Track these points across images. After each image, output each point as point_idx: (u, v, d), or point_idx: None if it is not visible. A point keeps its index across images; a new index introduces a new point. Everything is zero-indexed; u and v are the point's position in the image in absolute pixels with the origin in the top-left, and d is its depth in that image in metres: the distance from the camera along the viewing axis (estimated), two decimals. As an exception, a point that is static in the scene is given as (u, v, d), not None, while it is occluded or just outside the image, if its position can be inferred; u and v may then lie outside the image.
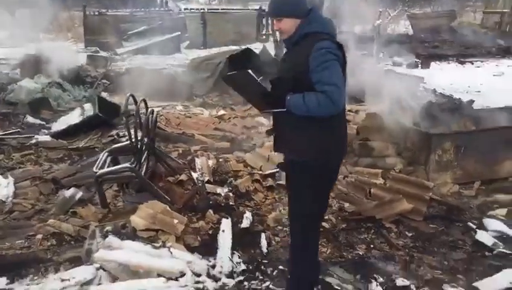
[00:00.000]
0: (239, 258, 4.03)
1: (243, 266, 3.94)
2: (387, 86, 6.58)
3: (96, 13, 20.36)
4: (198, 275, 3.78)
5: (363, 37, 14.01)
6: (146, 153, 4.90)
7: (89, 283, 3.56)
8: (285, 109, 2.91)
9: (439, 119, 6.16)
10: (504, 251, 4.19)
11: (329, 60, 2.83)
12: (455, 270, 3.95)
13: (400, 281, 3.71)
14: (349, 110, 7.49)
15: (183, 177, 5.06)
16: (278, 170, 5.41)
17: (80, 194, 4.95)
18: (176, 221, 4.20)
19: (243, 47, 12.60)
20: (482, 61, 15.47)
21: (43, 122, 8.20)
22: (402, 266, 3.98)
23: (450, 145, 5.40)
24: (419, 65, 14.37)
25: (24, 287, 3.56)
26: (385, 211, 4.70)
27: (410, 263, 4.03)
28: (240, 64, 10.15)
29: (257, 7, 22.76)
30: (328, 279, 3.74)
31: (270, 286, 3.70)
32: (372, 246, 4.31)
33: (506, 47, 17.79)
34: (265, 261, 4.05)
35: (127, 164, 4.58)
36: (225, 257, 3.96)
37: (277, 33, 14.17)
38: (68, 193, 4.96)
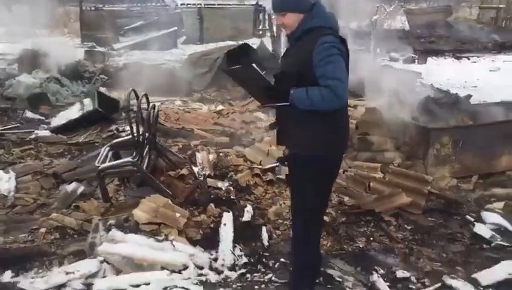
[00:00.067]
0: (241, 251, 4.07)
1: (244, 259, 3.98)
2: (386, 81, 6.63)
3: (93, 8, 20.33)
4: (201, 268, 3.83)
5: (360, 32, 14.05)
6: (147, 147, 4.93)
7: (93, 275, 3.62)
8: (288, 103, 2.94)
9: (437, 114, 6.23)
10: (502, 243, 4.26)
11: (332, 54, 2.86)
12: (454, 262, 4.02)
13: (400, 273, 3.77)
14: (348, 105, 7.52)
15: (184, 171, 5.08)
16: (277, 164, 5.45)
17: (81, 189, 4.98)
18: (177, 215, 4.24)
19: (240, 42, 12.61)
20: (478, 57, 15.56)
21: (42, 118, 8.22)
22: (402, 259, 4.04)
23: (448, 139, 5.46)
24: (416, 60, 14.43)
25: (29, 280, 3.59)
26: (384, 205, 4.75)
27: (409, 256, 4.09)
28: (238, 60, 10.17)
29: (254, 2, 22.73)
30: (330, 271, 3.80)
31: (273, 278, 3.75)
32: (372, 239, 4.36)
33: (502, 42, 17.88)
34: (267, 254, 4.09)
35: (129, 158, 4.61)
36: (227, 250, 4.01)
37: (274, 28, 14.21)
38: (70, 187, 4.99)
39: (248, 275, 3.80)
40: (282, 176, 5.26)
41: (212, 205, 4.59)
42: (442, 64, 14.38)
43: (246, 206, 4.67)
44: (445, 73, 12.13)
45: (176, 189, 4.85)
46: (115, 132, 7.10)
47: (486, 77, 12.01)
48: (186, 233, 4.17)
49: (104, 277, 3.64)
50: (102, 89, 9.45)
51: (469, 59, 15.26)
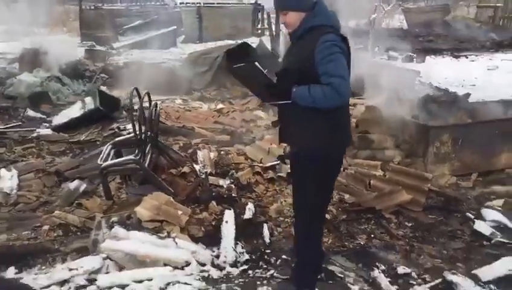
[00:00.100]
0: (242, 248, 4.11)
1: (246, 256, 4.01)
2: (385, 80, 6.67)
3: (92, 7, 20.32)
4: (203, 265, 3.86)
5: (358, 31, 14.08)
6: (149, 145, 4.96)
7: (96, 272, 3.64)
8: (290, 101, 2.97)
9: (436, 112, 6.26)
10: (502, 240, 4.30)
11: (334, 52, 2.89)
12: (454, 258, 4.05)
13: (401, 269, 3.81)
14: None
15: (185, 169, 5.11)
16: (278, 162, 5.49)
17: (83, 186, 5.02)
18: (180, 212, 4.27)
19: (239, 41, 12.63)
20: (476, 55, 15.59)
21: (44, 116, 8.25)
22: (403, 255, 4.08)
23: (447, 137, 5.50)
24: (414, 59, 14.46)
25: (32, 276, 3.62)
26: (385, 202, 4.79)
27: (410, 252, 4.12)
28: (237, 59, 10.18)
29: (253, 1, 22.74)
30: (331, 267, 3.83)
31: (275, 274, 3.78)
32: (372, 236, 4.39)
33: (500, 41, 17.93)
34: (268, 251, 4.12)
35: (132, 156, 4.64)
36: (229, 247, 4.04)
37: (273, 27, 14.24)
38: (72, 185, 5.03)
39: (250, 272, 3.83)
40: (283, 174, 5.31)
41: (213, 202, 4.62)
42: (440, 63, 14.41)
43: (247, 204, 4.70)
44: (444, 72, 12.15)
45: (177, 187, 4.87)
46: (116, 130, 7.13)
47: (484, 76, 12.05)
48: (188, 230, 4.20)
49: (107, 273, 3.67)
50: (103, 88, 9.48)
51: (467, 58, 15.29)
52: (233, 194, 4.86)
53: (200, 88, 10.52)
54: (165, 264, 3.75)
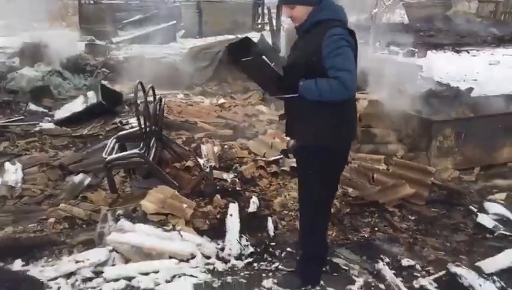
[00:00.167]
0: (247, 241, 4.13)
1: (251, 249, 4.03)
2: (388, 75, 6.68)
3: (92, 2, 20.27)
4: (208, 257, 3.88)
5: (359, 26, 14.04)
6: (153, 139, 4.97)
7: (103, 264, 3.66)
8: (297, 95, 2.98)
9: (439, 106, 6.28)
10: (504, 232, 4.32)
11: (341, 46, 2.90)
12: (458, 251, 4.08)
13: (405, 261, 3.83)
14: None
15: (189, 163, 5.13)
16: (281, 156, 5.51)
17: (88, 180, 5.05)
18: (184, 205, 4.29)
19: (239, 36, 12.62)
20: (477, 50, 15.59)
21: (46, 110, 8.27)
22: (406, 248, 4.10)
23: (450, 131, 5.52)
24: (416, 54, 14.46)
25: (39, 268, 3.65)
26: (388, 196, 4.82)
27: (414, 245, 4.15)
28: (239, 53, 10.19)
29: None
30: (336, 260, 3.85)
31: (280, 266, 3.80)
32: (376, 229, 4.42)
33: (501, 36, 17.93)
34: (273, 243, 4.14)
35: (136, 150, 4.65)
36: (233, 239, 4.06)
37: (273, 22, 14.21)
38: (77, 178, 5.06)
39: (255, 264, 3.85)
40: (286, 168, 5.32)
41: (218, 196, 4.64)
42: (441, 57, 14.41)
43: (251, 197, 4.72)
44: (445, 66, 12.17)
45: (181, 180, 4.89)
46: (119, 124, 7.16)
47: (486, 71, 12.07)
48: (193, 223, 4.22)
49: (113, 265, 3.69)
50: (105, 82, 9.47)
51: (468, 53, 15.30)
52: (237, 188, 4.88)
53: (201, 83, 10.50)
54: (171, 257, 3.77)
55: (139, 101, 4.99)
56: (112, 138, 5.14)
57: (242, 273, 3.71)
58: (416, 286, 3.55)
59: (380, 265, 3.77)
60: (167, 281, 3.53)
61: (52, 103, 8.66)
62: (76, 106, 7.80)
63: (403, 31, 17.85)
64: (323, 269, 3.60)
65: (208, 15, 20.40)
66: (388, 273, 3.66)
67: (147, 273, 3.57)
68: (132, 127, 6.39)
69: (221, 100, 9.00)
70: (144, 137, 4.74)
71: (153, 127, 4.88)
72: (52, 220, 4.31)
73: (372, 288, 3.53)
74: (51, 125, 7.23)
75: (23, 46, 11.08)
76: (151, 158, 4.74)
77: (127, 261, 3.75)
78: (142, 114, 4.71)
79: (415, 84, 7.01)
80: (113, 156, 4.67)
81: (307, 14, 3.08)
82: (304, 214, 3.46)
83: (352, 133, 3.27)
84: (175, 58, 12.46)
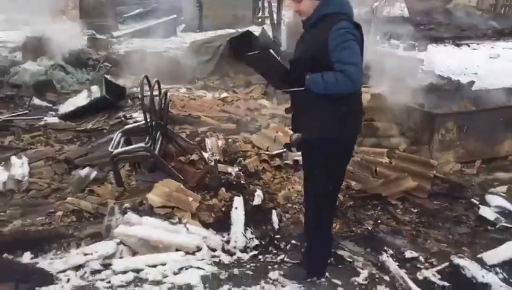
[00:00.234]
0: (252, 234, 4.18)
1: (256, 241, 4.08)
2: (390, 68, 6.71)
3: (92, -5, 20.17)
4: (214, 250, 3.94)
5: (359, 19, 14.01)
6: (158, 133, 5.01)
7: (110, 256, 3.71)
8: (303, 88, 3.02)
9: (440, 100, 6.32)
10: (506, 225, 4.39)
11: (348, 40, 2.94)
12: (460, 243, 4.14)
13: (409, 253, 3.90)
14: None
15: (194, 157, 5.17)
16: (284, 150, 5.55)
17: (94, 174, 5.09)
18: (190, 199, 4.34)
19: (240, 30, 12.62)
20: (478, 44, 15.60)
21: (50, 105, 8.29)
22: (409, 240, 4.17)
23: (452, 125, 5.57)
24: (416, 48, 14.46)
25: (48, 261, 3.70)
26: (391, 189, 4.87)
27: (417, 237, 4.21)
28: (240, 47, 10.21)
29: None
30: (340, 252, 3.91)
31: (285, 258, 3.85)
32: (379, 221, 4.48)
33: (501, 29, 17.91)
34: (278, 236, 4.19)
35: (142, 144, 4.69)
36: (239, 232, 4.11)
37: (274, 16, 14.21)
38: (83, 172, 5.10)
39: (260, 257, 3.91)
40: (290, 162, 5.37)
41: (223, 189, 4.68)
42: (442, 51, 14.42)
43: (255, 190, 4.76)
44: (446, 60, 12.19)
45: (186, 174, 4.94)
46: (123, 118, 7.19)
47: (486, 64, 12.10)
48: (199, 216, 4.27)
49: (121, 257, 3.75)
50: (108, 77, 9.49)
51: (469, 46, 15.30)
52: (242, 181, 4.92)
53: (203, 77, 10.51)
54: (177, 250, 3.83)
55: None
56: (118, 132, 5.18)
57: (248, 266, 3.77)
58: (420, 277, 3.61)
59: (384, 257, 3.83)
60: (175, 273, 3.58)
61: (55, 97, 8.67)
62: (80, 100, 7.83)
63: (403, 25, 17.85)
64: (328, 261, 3.65)
65: (208, 9, 20.33)
66: (392, 265, 3.72)
67: (154, 266, 3.62)
68: (136, 122, 6.44)
69: (224, 94, 9.03)
70: (149, 131, 4.78)
71: (158, 121, 4.92)
72: (59, 213, 4.36)
73: (377, 280, 3.59)
74: (56, 120, 7.27)
75: (26, 40, 11.07)
76: (156, 152, 4.78)
77: (134, 253, 3.80)
78: (148, 108, 4.74)
79: (416, 78, 7.04)
80: (119, 149, 4.71)
81: (313, 8, 3.11)
82: (309, 208, 3.50)
83: (357, 126, 3.31)
84: (176, 53, 12.46)
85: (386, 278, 3.61)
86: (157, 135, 4.96)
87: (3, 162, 5.35)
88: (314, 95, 3.02)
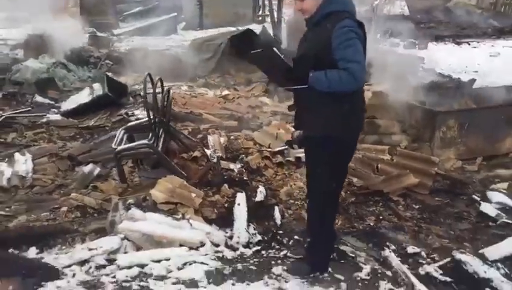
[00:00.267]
0: (254, 229, 4.21)
1: (258, 237, 4.11)
2: (391, 66, 6.73)
3: (93, -7, 20.16)
4: (217, 245, 3.97)
5: (360, 17, 14.02)
6: (161, 130, 5.04)
7: (115, 252, 3.75)
8: (307, 86, 3.05)
9: (442, 98, 6.35)
10: (507, 221, 4.42)
11: (351, 38, 2.97)
12: (461, 239, 4.18)
13: (411, 249, 3.93)
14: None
15: (197, 153, 5.20)
16: (286, 147, 5.57)
17: (97, 170, 5.13)
18: (193, 195, 4.36)
19: (241, 28, 12.63)
20: (478, 42, 15.61)
21: (52, 102, 8.32)
22: (411, 236, 4.20)
23: (454, 122, 5.61)
24: (417, 46, 14.47)
25: (53, 256, 3.74)
26: (392, 185, 4.90)
27: (418, 233, 4.25)
28: (241, 45, 10.24)
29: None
30: (342, 247, 3.94)
31: (288, 254, 3.89)
32: (381, 217, 4.51)
33: (501, 27, 17.92)
34: (280, 232, 4.22)
35: (145, 141, 4.72)
36: (241, 228, 4.14)
37: (275, 14, 14.23)
38: (86, 168, 5.14)
39: (263, 252, 3.94)
40: (291, 159, 5.40)
41: (225, 185, 4.71)
42: (442, 49, 14.43)
43: (258, 187, 4.78)
44: (446, 58, 12.21)
45: (189, 171, 4.96)
46: (125, 116, 7.22)
47: (486, 62, 12.12)
48: (202, 212, 4.30)
49: (125, 253, 3.78)
50: (109, 74, 9.52)
51: (469, 44, 15.32)
52: (244, 178, 4.95)
53: (204, 75, 10.53)
54: (181, 245, 3.86)
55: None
56: (121, 129, 5.21)
57: (251, 261, 3.80)
58: (422, 272, 3.64)
59: (386, 252, 3.85)
60: (179, 269, 3.62)
61: (57, 95, 8.71)
62: (83, 97, 7.86)
63: (404, 23, 17.85)
64: (331, 256, 3.68)
65: (208, 7, 20.34)
66: (394, 261, 3.74)
67: (158, 261, 3.66)
68: (138, 119, 6.46)
69: (225, 92, 9.06)
70: (152, 128, 4.81)
71: (161, 118, 4.95)
72: (64, 209, 4.40)
73: (379, 275, 3.62)
74: (58, 117, 7.32)
75: (28, 38, 11.09)
76: (159, 149, 4.81)
77: (138, 249, 3.84)
78: (151, 106, 4.77)
79: (417, 76, 7.07)
80: (123, 146, 4.74)
81: (316, 7, 3.13)
82: (312, 206, 3.53)
83: (360, 123, 3.34)
84: (177, 50, 12.48)
85: (388, 273, 3.64)
86: (160, 132, 4.99)
87: (6, 159, 5.40)
88: (318, 92, 3.04)
